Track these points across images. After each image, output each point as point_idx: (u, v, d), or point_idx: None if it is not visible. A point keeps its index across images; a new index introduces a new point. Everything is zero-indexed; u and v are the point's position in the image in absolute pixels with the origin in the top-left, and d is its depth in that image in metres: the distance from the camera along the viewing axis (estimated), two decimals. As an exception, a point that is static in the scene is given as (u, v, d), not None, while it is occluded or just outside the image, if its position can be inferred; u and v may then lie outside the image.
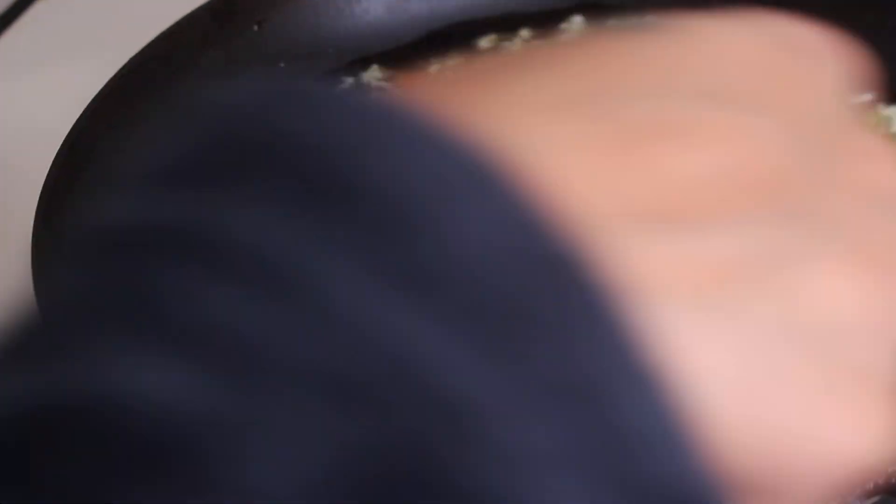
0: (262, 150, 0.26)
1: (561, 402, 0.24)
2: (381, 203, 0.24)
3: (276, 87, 0.28)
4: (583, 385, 0.24)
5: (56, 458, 0.22)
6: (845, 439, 0.30)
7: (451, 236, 0.24)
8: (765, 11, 0.37)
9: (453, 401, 0.24)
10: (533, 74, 0.29)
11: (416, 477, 0.23)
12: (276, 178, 0.25)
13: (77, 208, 1.07)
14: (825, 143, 0.32)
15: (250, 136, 0.26)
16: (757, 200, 0.30)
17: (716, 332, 0.28)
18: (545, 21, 1.27)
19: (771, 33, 0.35)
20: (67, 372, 0.23)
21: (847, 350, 0.30)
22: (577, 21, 1.26)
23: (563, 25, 1.25)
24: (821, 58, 0.37)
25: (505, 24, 1.28)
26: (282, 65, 1.21)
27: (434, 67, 0.31)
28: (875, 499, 0.80)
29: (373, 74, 1.14)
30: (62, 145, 1.05)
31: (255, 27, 1.23)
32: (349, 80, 1.19)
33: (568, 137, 0.27)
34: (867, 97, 0.40)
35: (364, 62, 1.23)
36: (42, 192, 1.01)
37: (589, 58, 0.30)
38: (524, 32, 1.22)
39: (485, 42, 1.26)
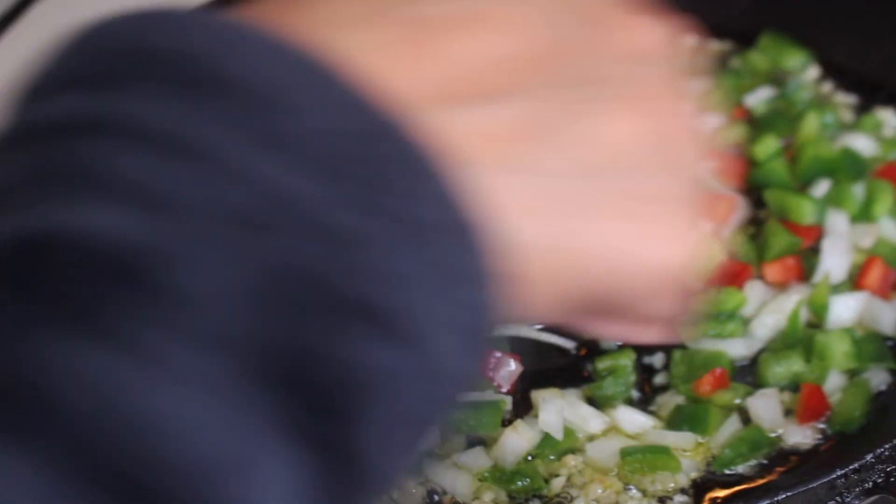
0: (147, 57, 0.33)
1: (414, 239, 0.31)
2: (246, 91, 0.31)
3: (150, 12, 0.34)
4: (423, 227, 0.31)
5: (49, 274, 0.28)
6: (655, 251, 0.37)
7: (303, 114, 0.31)
8: None
9: (339, 231, 0.30)
10: None
11: (320, 290, 0.29)
12: (160, 77, 0.32)
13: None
14: (593, 20, 0.38)
15: (134, 47, 0.33)
16: (538, 74, 0.35)
17: (521, 182, 0.34)
18: None
19: None
20: (42, 214, 0.29)
21: (642, 180, 0.37)
22: None
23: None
24: None
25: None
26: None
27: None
28: (874, 498, 0.80)
29: None
30: (62, 145, 1.05)
31: (255, 27, 1.23)
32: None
33: (375, 40, 0.34)
34: None
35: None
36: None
37: None
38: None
39: None
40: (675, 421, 0.89)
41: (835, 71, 1.16)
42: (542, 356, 0.93)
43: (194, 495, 0.27)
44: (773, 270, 0.98)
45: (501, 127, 0.34)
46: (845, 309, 0.95)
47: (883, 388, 0.91)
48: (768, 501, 0.77)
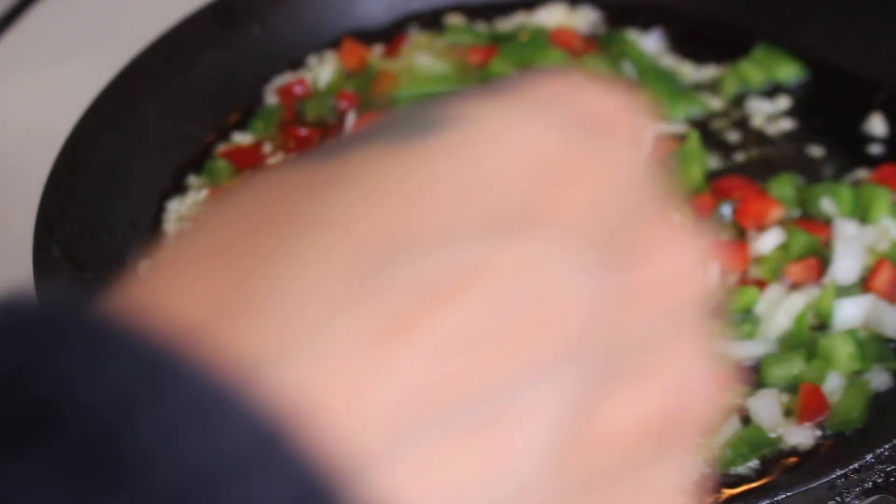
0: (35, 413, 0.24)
1: None
2: (151, 481, 0.24)
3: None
4: None
5: None
6: None
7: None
8: (560, 82, 0.33)
9: None
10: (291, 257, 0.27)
11: None
12: (49, 447, 0.24)
13: (77, 208, 1.08)
14: (619, 248, 0.30)
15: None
16: (548, 352, 0.28)
17: None
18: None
19: (562, 113, 0.32)
20: None
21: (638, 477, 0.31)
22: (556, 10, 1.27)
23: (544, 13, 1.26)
24: (615, 131, 0.33)
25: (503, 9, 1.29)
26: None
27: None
28: (875, 498, 0.80)
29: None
30: (62, 145, 1.05)
31: (255, 27, 1.23)
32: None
33: (325, 346, 0.26)
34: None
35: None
36: (42, 193, 1.01)
37: (360, 200, 0.28)
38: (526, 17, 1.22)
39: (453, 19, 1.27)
40: None
41: (834, 71, 1.16)
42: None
43: None
44: (795, 270, 0.98)
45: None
46: (851, 311, 0.95)
47: (883, 388, 0.91)
48: (768, 501, 0.77)
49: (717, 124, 1.14)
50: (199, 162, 1.14)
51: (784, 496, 0.77)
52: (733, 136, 1.13)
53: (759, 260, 1.00)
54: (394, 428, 0.26)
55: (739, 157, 1.11)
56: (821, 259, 0.99)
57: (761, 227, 1.01)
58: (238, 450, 0.24)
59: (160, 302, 0.27)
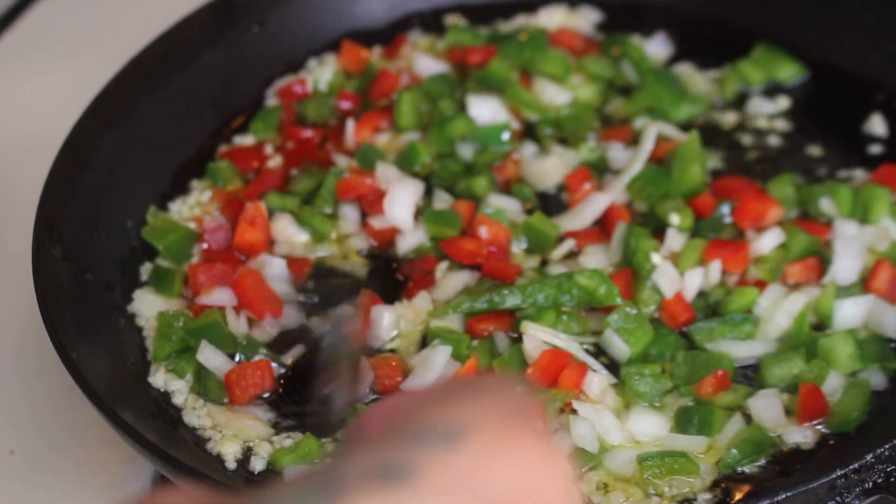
0: None
1: None
2: None
3: None
4: None
5: None
6: None
7: None
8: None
9: None
10: None
11: None
12: None
13: (77, 208, 1.07)
14: None
15: None
16: None
17: None
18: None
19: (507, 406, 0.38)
20: None
21: None
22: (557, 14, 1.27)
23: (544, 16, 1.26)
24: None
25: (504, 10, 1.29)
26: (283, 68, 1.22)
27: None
28: (875, 498, 0.80)
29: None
30: (62, 145, 1.05)
31: (255, 27, 1.23)
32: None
33: None
34: None
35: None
36: (42, 192, 1.01)
37: None
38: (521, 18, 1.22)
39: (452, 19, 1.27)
40: (681, 423, 0.89)
41: (834, 71, 1.16)
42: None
43: None
44: (795, 270, 0.98)
45: None
46: (851, 312, 0.95)
47: (881, 388, 0.91)
48: (768, 501, 0.77)
49: (717, 124, 1.14)
50: (199, 162, 1.14)
51: (784, 496, 0.77)
52: (734, 136, 1.13)
53: (759, 260, 1.00)
54: None
55: (740, 156, 1.11)
56: (821, 259, 0.99)
57: (761, 228, 1.01)
58: None
59: None
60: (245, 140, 1.18)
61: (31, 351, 1.05)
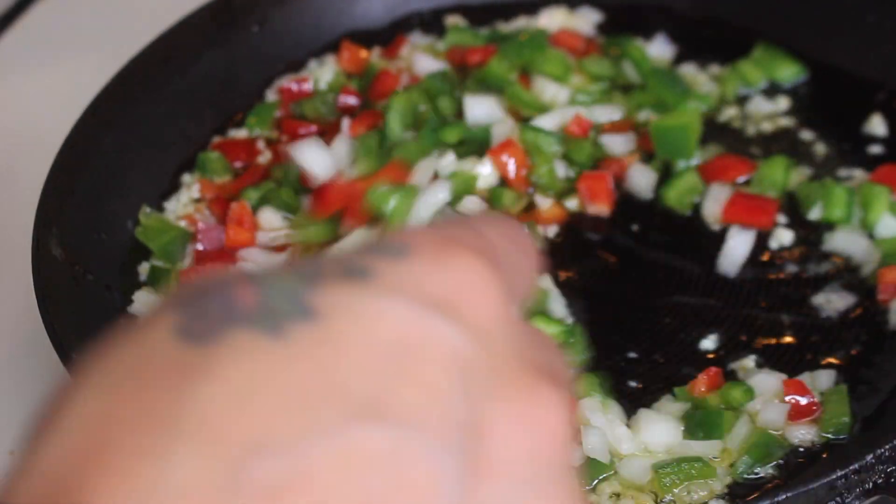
0: None
1: None
2: None
3: None
4: None
5: None
6: None
7: None
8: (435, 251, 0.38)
9: None
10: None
11: None
12: None
13: (77, 208, 1.07)
14: (468, 430, 0.35)
15: None
16: None
17: None
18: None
19: (421, 296, 0.37)
20: None
21: None
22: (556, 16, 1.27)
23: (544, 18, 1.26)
24: (474, 309, 0.38)
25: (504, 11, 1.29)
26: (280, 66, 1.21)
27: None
28: (875, 498, 0.80)
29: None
30: (62, 145, 1.05)
31: (255, 27, 1.23)
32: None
33: None
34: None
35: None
36: (42, 193, 1.01)
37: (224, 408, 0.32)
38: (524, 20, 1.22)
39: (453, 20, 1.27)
40: (690, 427, 0.89)
41: (834, 71, 1.16)
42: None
43: None
44: None
45: None
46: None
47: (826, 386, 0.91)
48: (769, 501, 0.77)
49: (717, 124, 1.14)
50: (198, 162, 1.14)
51: (784, 496, 0.77)
52: (734, 136, 1.13)
53: None
54: None
55: (740, 155, 1.11)
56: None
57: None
58: None
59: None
60: (239, 133, 1.18)
61: (31, 351, 1.05)
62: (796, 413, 0.88)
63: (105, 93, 1.10)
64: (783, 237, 1.02)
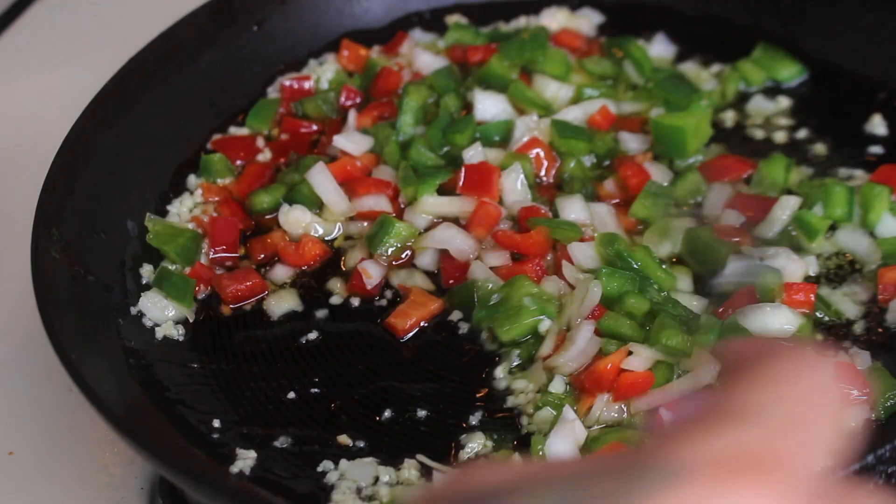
0: None
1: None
2: None
3: None
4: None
5: None
6: None
7: None
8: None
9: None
10: None
11: None
12: None
13: (77, 208, 1.07)
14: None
15: None
16: None
17: None
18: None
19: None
20: None
21: None
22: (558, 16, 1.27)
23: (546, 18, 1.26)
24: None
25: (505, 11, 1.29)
26: (281, 66, 1.22)
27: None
28: (875, 499, 0.80)
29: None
30: (62, 145, 1.05)
31: (255, 27, 1.23)
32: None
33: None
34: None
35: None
36: (41, 193, 1.01)
37: None
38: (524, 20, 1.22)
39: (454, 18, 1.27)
40: None
41: (834, 71, 1.16)
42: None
43: None
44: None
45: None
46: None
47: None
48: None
49: (717, 124, 1.14)
50: (198, 163, 1.14)
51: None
52: (734, 136, 1.13)
53: None
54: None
55: (740, 154, 1.11)
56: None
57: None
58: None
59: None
60: (240, 131, 1.18)
61: (31, 351, 1.05)
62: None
63: (105, 93, 1.10)
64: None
